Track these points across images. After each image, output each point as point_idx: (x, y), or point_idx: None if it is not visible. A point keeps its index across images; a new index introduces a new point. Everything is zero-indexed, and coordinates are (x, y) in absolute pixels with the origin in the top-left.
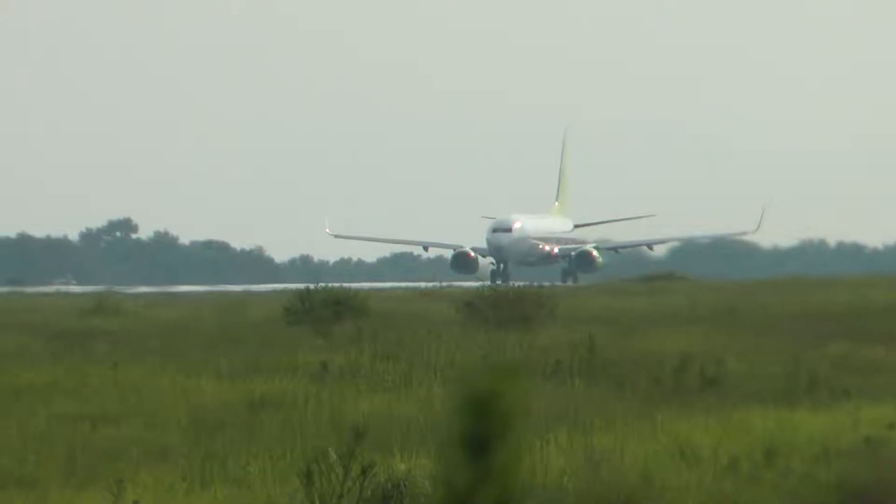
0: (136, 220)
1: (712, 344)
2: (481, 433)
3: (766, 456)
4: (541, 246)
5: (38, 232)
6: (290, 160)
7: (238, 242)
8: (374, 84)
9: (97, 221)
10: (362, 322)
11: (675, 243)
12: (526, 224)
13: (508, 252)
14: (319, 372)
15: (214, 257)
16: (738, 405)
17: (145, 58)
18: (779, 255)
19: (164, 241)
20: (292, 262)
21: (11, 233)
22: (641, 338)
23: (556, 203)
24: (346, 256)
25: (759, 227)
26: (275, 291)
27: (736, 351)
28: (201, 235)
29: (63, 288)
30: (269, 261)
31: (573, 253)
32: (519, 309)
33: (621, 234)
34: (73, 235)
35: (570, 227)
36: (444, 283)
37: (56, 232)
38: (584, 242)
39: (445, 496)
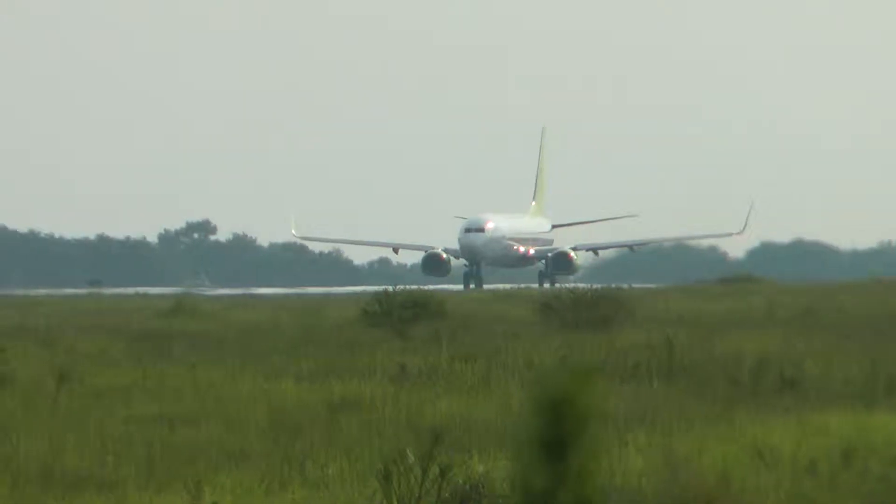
0: (214, 221)
1: (790, 345)
2: (559, 435)
3: (844, 458)
4: (515, 247)
5: (118, 234)
6: (375, 161)
7: (316, 245)
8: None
9: (176, 223)
10: (440, 324)
11: (667, 243)
12: (500, 224)
13: (481, 253)
14: (398, 373)
15: (293, 259)
16: (816, 407)
17: (226, 58)
18: (858, 257)
19: (242, 243)
20: (371, 264)
21: (91, 234)
22: (720, 339)
23: (533, 203)
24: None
25: (745, 227)
26: (353, 294)
27: (814, 352)
28: (280, 237)
29: (142, 289)
30: (348, 263)
31: (550, 254)
32: (597, 310)
33: (604, 235)
34: (152, 237)
35: (548, 227)
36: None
37: (135, 234)
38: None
39: (523, 498)
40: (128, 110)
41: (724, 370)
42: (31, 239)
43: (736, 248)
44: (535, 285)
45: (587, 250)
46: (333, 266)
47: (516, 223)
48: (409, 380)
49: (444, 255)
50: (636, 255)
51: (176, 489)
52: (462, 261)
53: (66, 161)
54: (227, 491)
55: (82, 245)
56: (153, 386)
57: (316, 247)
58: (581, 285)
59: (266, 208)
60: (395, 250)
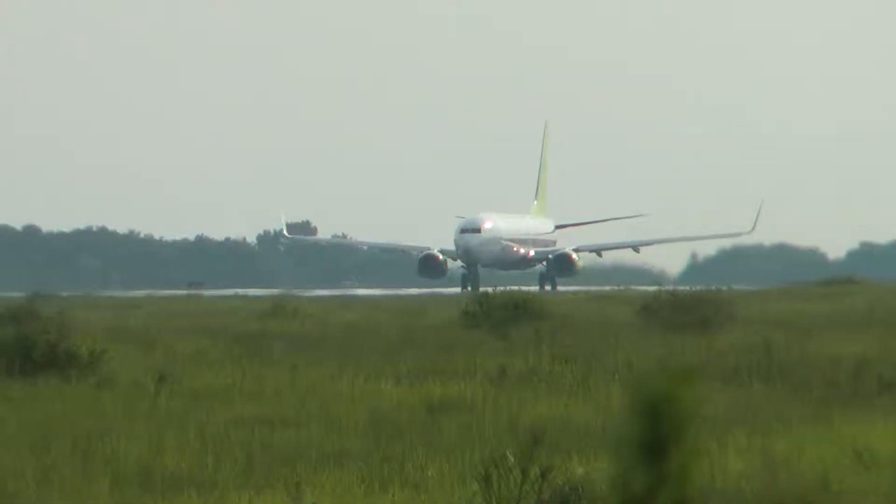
0: (314, 222)
1: (890, 347)
2: (658, 436)
3: None
4: (514, 248)
5: (217, 235)
6: (464, 161)
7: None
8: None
9: (276, 224)
10: (540, 325)
11: (673, 243)
12: (497, 224)
13: (477, 254)
14: (498, 375)
15: (392, 260)
16: None
17: (323, 57)
18: None
19: (342, 244)
20: None
21: (190, 236)
22: (819, 341)
23: (535, 202)
24: None
25: (754, 226)
26: (454, 295)
27: None
28: (380, 238)
29: (241, 291)
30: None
31: (550, 256)
32: (697, 312)
33: (609, 235)
34: (252, 238)
35: (551, 227)
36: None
37: (235, 234)
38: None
39: (622, 500)
40: (228, 112)
41: (823, 372)
42: (131, 240)
43: (837, 249)
44: (536, 287)
45: (590, 251)
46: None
47: (515, 223)
48: (508, 381)
49: (441, 257)
50: (732, 256)
51: (275, 490)
52: (459, 262)
53: (167, 162)
54: (327, 492)
55: (181, 246)
56: (253, 387)
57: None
58: (681, 288)
59: (366, 209)
60: (402, 252)
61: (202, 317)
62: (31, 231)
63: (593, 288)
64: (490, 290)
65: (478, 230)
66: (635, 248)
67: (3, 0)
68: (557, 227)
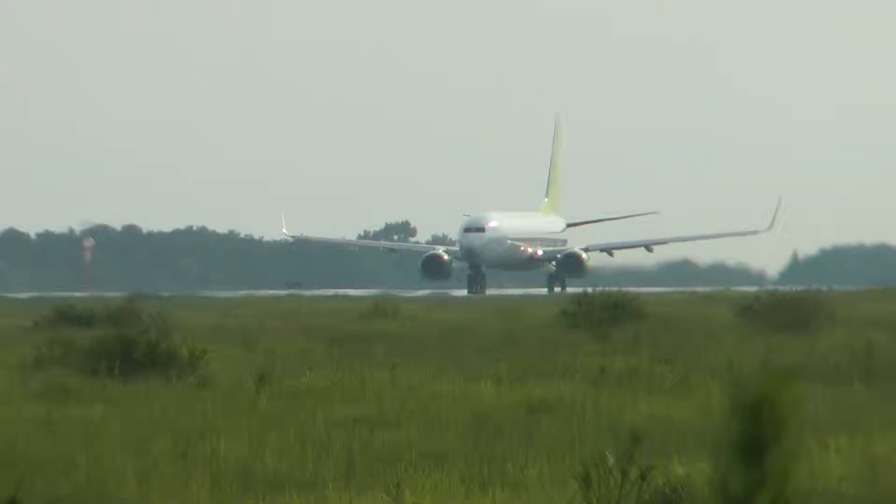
0: (414, 223)
1: None
2: (758, 437)
3: None
4: (522, 248)
5: (317, 235)
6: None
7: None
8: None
9: (375, 225)
10: (640, 325)
11: (678, 243)
12: (503, 223)
13: (482, 255)
14: (597, 375)
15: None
16: None
17: (423, 58)
18: None
19: (440, 244)
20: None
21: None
22: None
23: (546, 199)
24: (623, 262)
25: (772, 224)
26: (553, 296)
27: None
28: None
29: (341, 291)
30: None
31: (559, 255)
32: (798, 312)
33: (621, 234)
34: (352, 238)
35: (561, 226)
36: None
37: (336, 236)
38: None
39: (722, 500)
40: (328, 113)
41: None
42: (231, 240)
43: None
44: (546, 290)
45: (600, 251)
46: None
47: (523, 222)
48: (608, 381)
49: (446, 257)
50: (832, 257)
51: (376, 490)
52: (465, 263)
53: (269, 162)
54: (427, 492)
55: (282, 246)
56: (353, 387)
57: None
58: (781, 288)
59: (461, 209)
60: (392, 251)
61: (302, 317)
62: (132, 231)
63: (697, 288)
64: (590, 290)
65: (482, 229)
66: (648, 247)
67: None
68: (569, 225)
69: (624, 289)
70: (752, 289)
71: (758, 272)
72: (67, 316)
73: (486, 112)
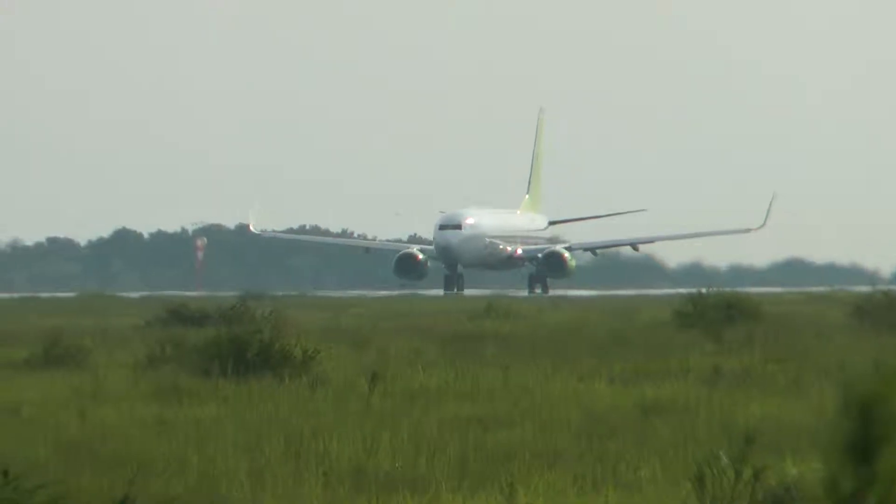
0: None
1: None
2: (868, 437)
3: None
4: (501, 246)
5: (430, 235)
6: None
7: (627, 248)
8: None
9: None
10: (754, 326)
11: (665, 241)
12: (481, 220)
13: (458, 253)
14: (711, 375)
15: (601, 261)
16: None
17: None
18: None
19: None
20: (682, 266)
21: (403, 235)
22: None
23: (527, 196)
24: (734, 262)
25: (765, 221)
26: (666, 295)
27: None
28: (586, 238)
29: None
30: (660, 266)
31: (540, 255)
32: None
33: (607, 232)
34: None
35: (544, 224)
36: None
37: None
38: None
39: (834, 500)
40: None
41: None
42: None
43: None
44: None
45: (584, 250)
46: (644, 268)
47: (502, 219)
48: (721, 382)
49: (420, 256)
50: None
51: (489, 490)
52: (441, 262)
53: (382, 162)
54: (540, 492)
55: (395, 246)
56: (466, 387)
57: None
58: (895, 288)
59: (574, 210)
60: (367, 250)
61: (415, 317)
62: (244, 230)
63: (806, 288)
64: (705, 290)
65: (458, 226)
66: (634, 245)
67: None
68: (551, 223)
69: (737, 289)
70: (866, 289)
71: (871, 272)
72: (180, 315)
73: (466, 106)
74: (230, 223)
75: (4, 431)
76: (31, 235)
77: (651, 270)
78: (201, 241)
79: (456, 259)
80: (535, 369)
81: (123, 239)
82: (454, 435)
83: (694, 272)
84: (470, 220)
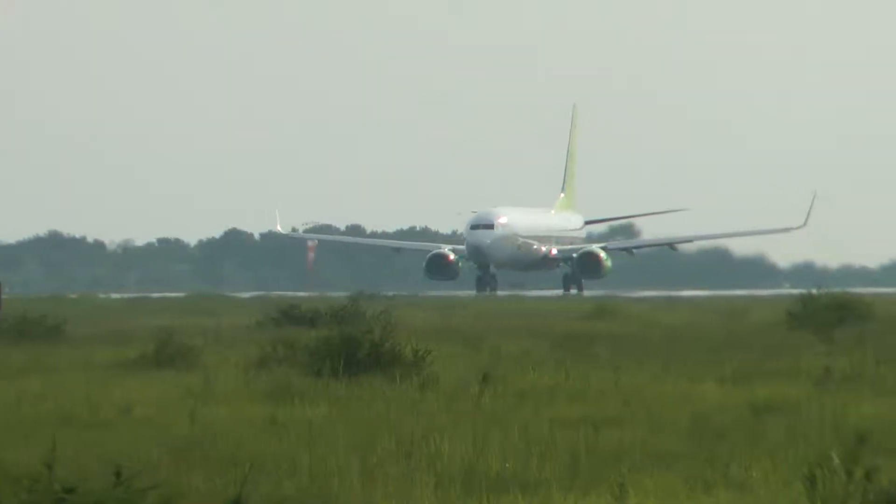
0: (638, 227)
1: None
2: None
3: None
4: (535, 246)
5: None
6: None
7: (739, 249)
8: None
9: (600, 226)
10: (866, 326)
11: (704, 242)
12: (514, 219)
13: (490, 254)
14: (822, 376)
15: (714, 262)
16: None
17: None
18: None
19: (665, 248)
20: (794, 267)
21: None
22: None
23: (562, 195)
24: (847, 262)
25: (807, 220)
26: (777, 296)
27: None
28: (704, 241)
29: (566, 292)
30: (772, 267)
31: (575, 255)
32: None
33: (645, 232)
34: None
35: (579, 223)
36: None
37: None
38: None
39: None
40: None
41: None
42: (455, 240)
43: None
44: (560, 290)
45: (620, 250)
46: (755, 269)
47: (536, 218)
48: (833, 382)
49: (452, 256)
50: None
51: (600, 491)
52: (473, 262)
53: (488, 160)
54: (651, 493)
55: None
56: (577, 388)
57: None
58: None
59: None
60: (397, 250)
61: (526, 317)
62: (356, 230)
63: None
64: (817, 290)
65: (491, 226)
66: (672, 245)
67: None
68: (587, 222)
69: (848, 290)
70: None
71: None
72: (291, 315)
73: (499, 104)
74: (340, 224)
75: (116, 431)
76: (142, 236)
77: (761, 269)
78: (312, 242)
79: (488, 259)
80: (645, 370)
81: (235, 240)
82: (565, 435)
83: (806, 271)
84: (502, 220)
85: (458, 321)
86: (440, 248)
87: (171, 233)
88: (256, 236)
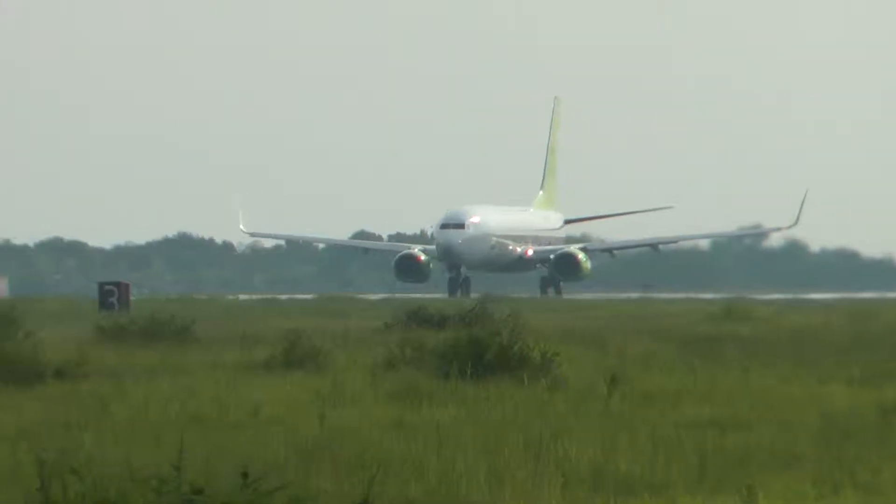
0: (766, 225)
1: None
2: None
3: None
4: (510, 247)
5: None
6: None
7: (868, 250)
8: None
9: (727, 228)
10: None
11: (688, 242)
12: (487, 218)
13: (461, 254)
14: None
15: (843, 264)
16: None
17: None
18: None
19: (794, 249)
20: None
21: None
22: None
23: (541, 192)
24: None
25: (797, 220)
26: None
27: None
28: (832, 243)
29: (693, 294)
30: None
31: (552, 256)
32: None
33: (627, 232)
34: (704, 243)
35: (558, 222)
36: None
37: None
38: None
39: None
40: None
41: None
42: (586, 241)
43: None
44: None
45: (601, 251)
46: (886, 272)
47: (511, 217)
48: None
49: (422, 257)
50: None
51: (727, 493)
52: (443, 263)
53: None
54: (779, 495)
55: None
56: (704, 390)
57: (266, 243)
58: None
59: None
60: (366, 251)
61: (653, 319)
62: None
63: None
64: None
65: (462, 225)
66: (655, 246)
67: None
68: (567, 221)
69: None
70: None
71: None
72: (419, 317)
73: (478, 100)
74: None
75: (244, 433)
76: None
77: (890, 271)
78: None
79: (458, 260)
80: (773, 372)
81: (363, 241)
82: (692, 437)
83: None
84: (475, 219)
85: (586, 323)
86: (410, 248)
87: (298, 234)
88: (385, 238)
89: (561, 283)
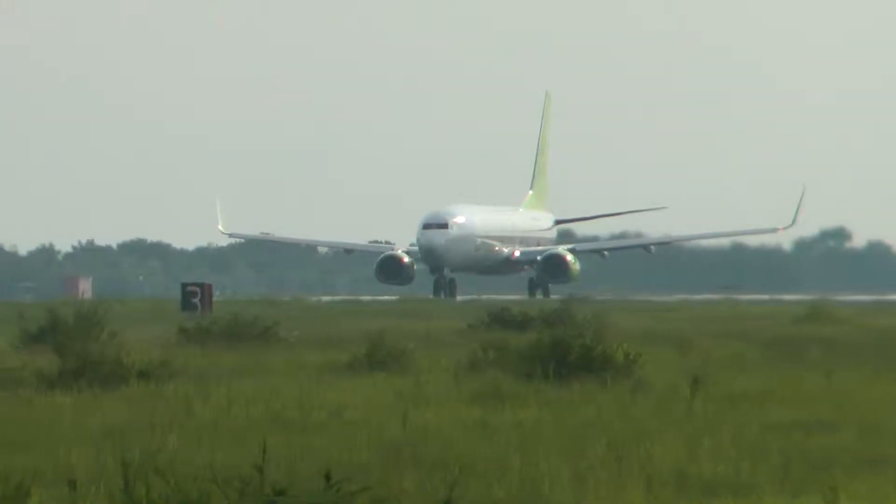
0: (850, 228)
1: None
2: None
3: None
4: (496, 248)
5: (752, 241)
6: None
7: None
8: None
9: (810, 230)
10: None
11: (684, 243)
12: (472, 218)
13: (444, 256)
14: None
15: None
16: None
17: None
18: None
19: (877, 251)
20: None
21: (726, 241)
22: None
23: (531, 192)
24: None
25: (794, 220)
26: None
27: None
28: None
29: (776, 296)
30: None
31: (539, 257)
32: None
33: (617, 231)
34: (787, 244)
35: (548, 223)
36: None
37: (769, 241)
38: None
39: None
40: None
41: None
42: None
43: None
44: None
45: (590, 251)
46: None
47: (497, 217)
48: None
49: (406, 258)
50: None
51: (811, 495)
52: (426, 265)
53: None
54: (862, 497)
55: (715, 251)
56: (788, 392)
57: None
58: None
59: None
60: (348, 251)
61: (736, 321)
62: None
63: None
64: None
65: (445, 225)
66: (647, 247)
67: None
68: (558, 222)
69: None
70: None
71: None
72: (502, 318)
73: (467, 98)
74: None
75: (327, 434)
76: (353, 239)
77: None
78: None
79: (441, 262)
80: (858, 374)
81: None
82: (776, 439)
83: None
84: (458, 219)
85: (669, 325)
86: (393, 249)
87: (381, 236)
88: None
89: (548, 285)
